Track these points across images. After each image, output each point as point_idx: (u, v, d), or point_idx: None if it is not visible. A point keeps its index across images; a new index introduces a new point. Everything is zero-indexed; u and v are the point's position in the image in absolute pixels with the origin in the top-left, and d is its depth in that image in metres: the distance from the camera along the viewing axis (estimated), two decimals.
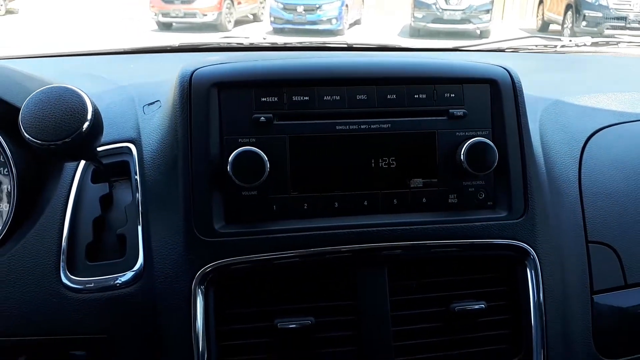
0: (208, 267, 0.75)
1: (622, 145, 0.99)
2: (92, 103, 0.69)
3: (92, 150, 0.73)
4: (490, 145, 0.79)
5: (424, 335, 0.81)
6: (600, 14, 8.99)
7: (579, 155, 0.95)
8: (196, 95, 0.76)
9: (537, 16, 11.98)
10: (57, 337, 0.77)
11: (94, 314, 0.77)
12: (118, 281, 0.78)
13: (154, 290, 0.76)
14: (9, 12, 11.81)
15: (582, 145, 0.96)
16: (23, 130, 0.66)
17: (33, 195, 0.81)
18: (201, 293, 0.75)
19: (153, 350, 0.76)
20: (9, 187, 0.81)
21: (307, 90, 0.78)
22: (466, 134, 0.81)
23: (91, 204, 0.83)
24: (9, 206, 0.79)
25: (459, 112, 0.81)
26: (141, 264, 0.78)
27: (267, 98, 0.77)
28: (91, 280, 0.78)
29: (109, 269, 0.79)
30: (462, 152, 0.79)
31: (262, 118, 0.76)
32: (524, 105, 0.84)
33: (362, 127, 0.79)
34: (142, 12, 10.89)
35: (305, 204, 0.78)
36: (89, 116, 0.68)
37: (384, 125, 0.79)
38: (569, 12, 9.67)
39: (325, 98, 0.78)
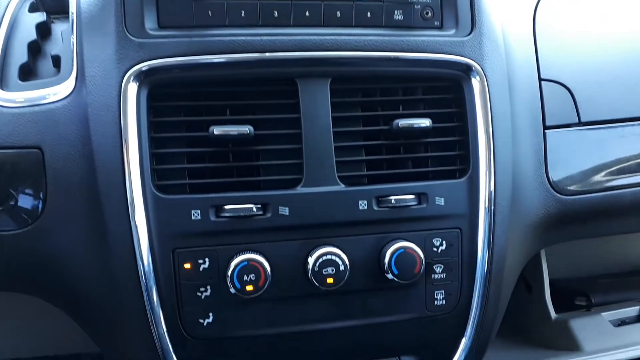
0: (139, 66, 0.71)
1: None
2: None
3: None
4: None
5: (368, 152, 0.79)
6: None
7: None
8: None
9: None
10: None
11: (26, 127, 0.74)
12: (49, 95, 0.75)
13: (86, 100, 0.73)
14: None
15: None
16: None
17: None
18: (133, 92, 0.71)
19: (86, 161, 0.73)
20: None
21: None
22: None
23: (27, 29, 0.81)
24: None
25: None
26: (74, 79, 0.75)
27: None
28: (22, 95, 0.75)
29: (42, 86, 0.77)
30: None
31: None
32: None
33: None
34: None
35: (243, 11, 0.75)
36: None
37: None
38: None
39: None
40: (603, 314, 1.27)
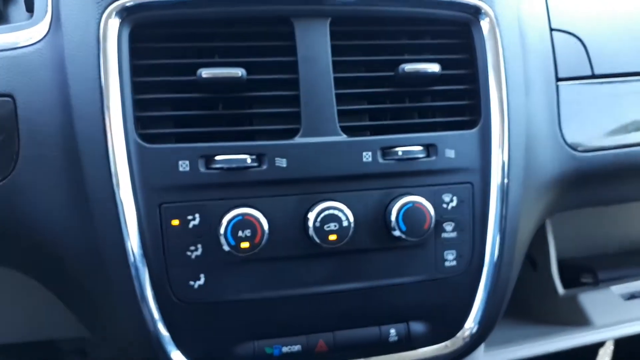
0: (122, 1, 0.64)
1: None
2: None
3: None
4: None
5: (372, 101, 0.73)
6: None
7: None
8: None
9: None
10: None
11: None
12: (21, 40, 0.68)
13: (61, 42, 0.66)
14: None
15: None
16: None
17: None
18: (114, 30, 0.64)
19: (62, 110, 0.66)
20: None
21: None
22: None
23: None
24: None
25: None
26: (49, 20, 0.68)
27: None
28: None
29: (13, 30, 0.69)
30: None
31: None
32: None
33: None
34: None
35: None
36: None
37: None
38: None
39: None
40: (612, 287, 1.22)
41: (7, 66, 0.67)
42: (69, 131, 0.65)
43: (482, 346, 0.95)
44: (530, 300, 1.34)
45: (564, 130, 0.83)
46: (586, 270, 1.34)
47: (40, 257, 0.71)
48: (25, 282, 0.97)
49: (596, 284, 1.31)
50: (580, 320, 1.15)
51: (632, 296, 1.22)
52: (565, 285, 1.29)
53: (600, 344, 1.44)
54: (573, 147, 0.84)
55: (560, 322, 1.18)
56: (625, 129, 0.88)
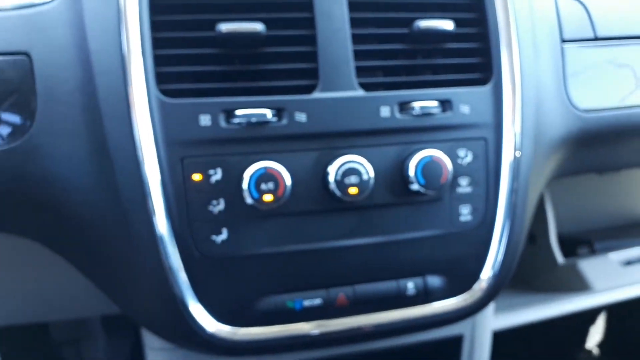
0: None
1: None
2: None
3: None
4: None
5: (388, 56, 0.74)
6: None
7: None
8: None
9: None
10: None
11: (11, 32, 0.66)
12: None
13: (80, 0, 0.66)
14: None
15: None
16: None
17: None
18: None
19: (81, 66, 0.66)
20: None
21: None
22: None
23: None
24: None
25: None
26: None
27: None
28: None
29: None
30: None
31: None
32: None
33: None
34: None
35: None
36: None
37: None
38: None
39: None
40: (610, 254, 1.25)
41: (23, 24, 0.66)
42: (89, 88, 0.65)
43: (492, 310, 0.97)
44: (530, 272, 1.36)
45: (569, 91, 0.85)
46: (583, 242, 1.37)
47: (61, 221, 0.71)
48: (29, 262, 0.97)
49: (593, 254, 1.34)
50: (580, 286, 1.18)
51: (629, 262, 1.25)
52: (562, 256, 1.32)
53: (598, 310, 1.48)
54: (578, 108, 0.86)
55: (562, 290, 1.21)
56: (627, 91, 0.91)
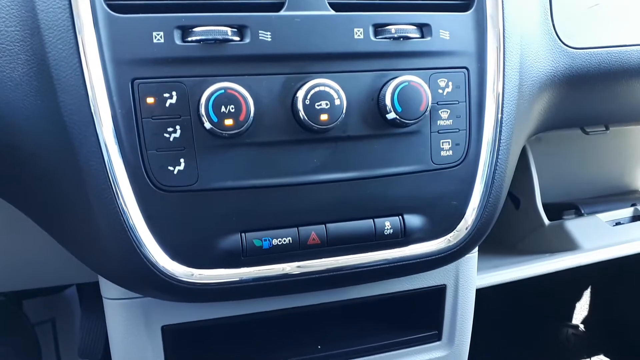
0: None
1: None
2: None
3: None
4: None
5: None
6: None
7: None
8: None
9: None
10: None
11: None
12: None
13: None
14: None
15: None
16: None
17: None
18: None
19: None
20: None
21: None
22: None
23: None
24: None
25: None
26: None
27: None
28: None
29: None
30: None
31: None
32: None
33: None
34: None
35: None
36: None
37: None
38: None
39: None
40: (598, 215, 1.21)
41: None
42: (28, 4, 0.58)
43: (476, 264, 0.92)
44: (515, 236, 1.32)
45: (556, 26, 0.80)
46: (568, 207, 1.33)
47: (7, 161, 0.64)
48: None
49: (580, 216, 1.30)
50: (568, 245, 1.14)
51: (618, 222, 1.21)
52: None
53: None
54: (566, 43, 0.81)
55: (548, 250, 1.16)
56: (617, 29, 0.86)
